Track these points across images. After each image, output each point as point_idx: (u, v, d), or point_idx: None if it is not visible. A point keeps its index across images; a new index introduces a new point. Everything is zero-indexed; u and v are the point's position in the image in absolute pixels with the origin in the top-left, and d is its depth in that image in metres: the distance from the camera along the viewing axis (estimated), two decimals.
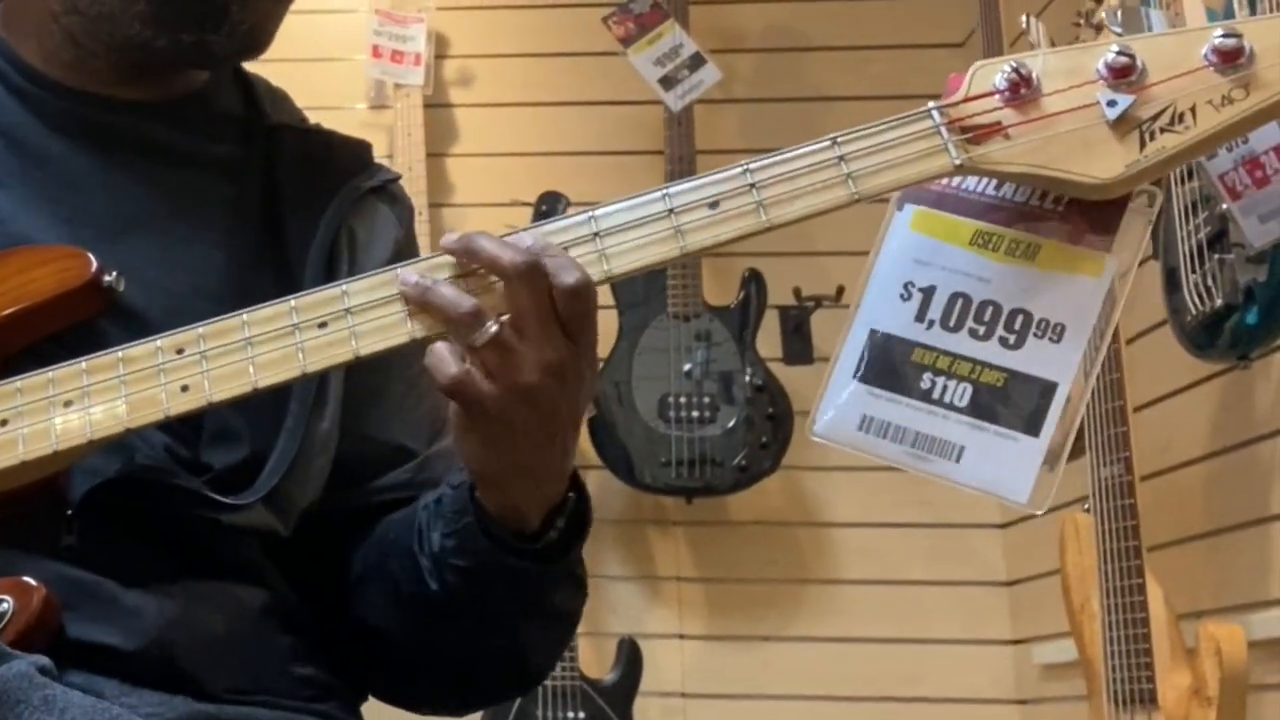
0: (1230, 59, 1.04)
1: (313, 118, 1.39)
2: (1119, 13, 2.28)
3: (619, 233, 1.10)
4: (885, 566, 3.90)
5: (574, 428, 1.13)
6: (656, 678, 3.79)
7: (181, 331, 1.12)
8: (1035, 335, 1.07)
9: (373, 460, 1.30)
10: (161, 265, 1.23)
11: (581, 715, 3.59)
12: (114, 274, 1.19)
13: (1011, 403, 1.07)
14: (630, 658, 3.71)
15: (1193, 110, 1.05)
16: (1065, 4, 3.24)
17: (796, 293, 3.81)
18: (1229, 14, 2.16)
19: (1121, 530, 2.65)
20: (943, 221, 1.11)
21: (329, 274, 1.24)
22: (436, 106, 4.13)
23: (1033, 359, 1.07)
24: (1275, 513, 2.77)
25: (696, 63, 3.84)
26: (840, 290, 3.69)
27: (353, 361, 1.11)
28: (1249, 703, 2.54)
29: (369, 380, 1.28)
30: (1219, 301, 2.41)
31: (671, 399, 3.75)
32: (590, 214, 1.11)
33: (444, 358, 1.08)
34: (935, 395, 1.08)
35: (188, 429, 1.18)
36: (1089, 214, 1.08)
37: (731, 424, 3.73)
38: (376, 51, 4.06)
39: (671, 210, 1.09)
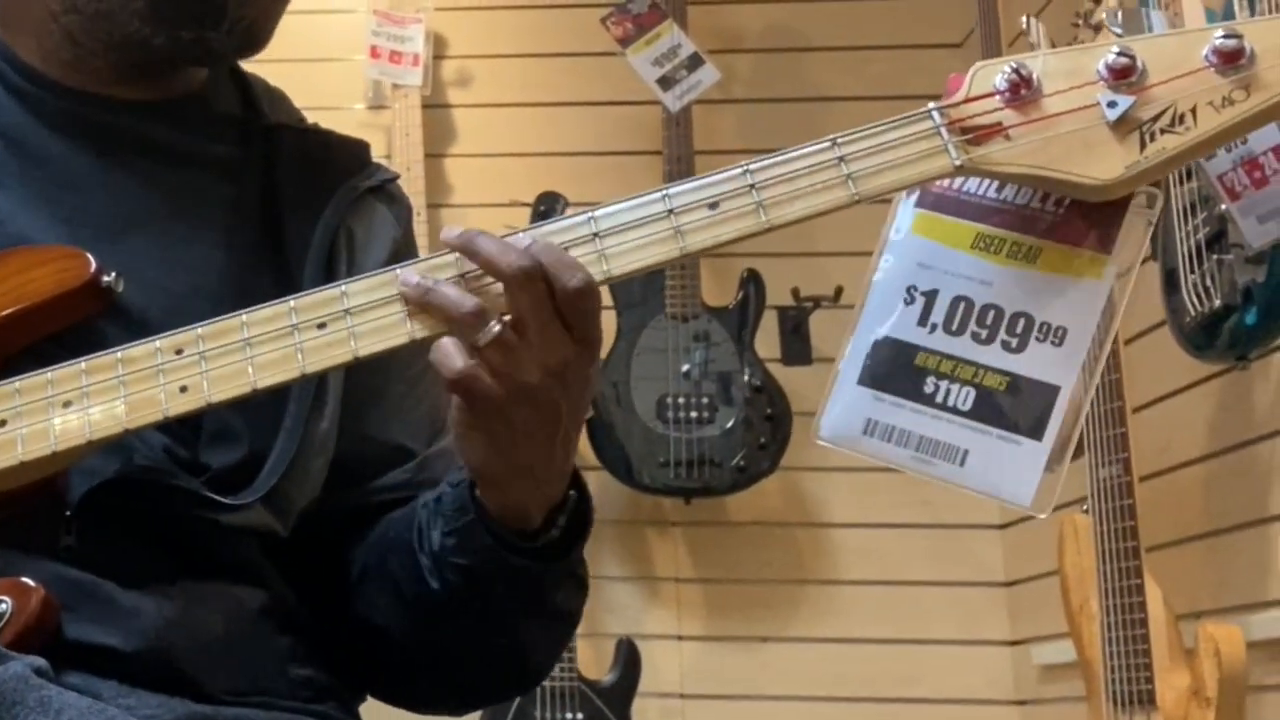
0: (1231, 60, 1.04)
1: (311, 118, 1.39)
2: (1118, 13, 2.28)
3: (618, 233, 1.09)
4: (884, 567, 3.90)
5: (576, 427, 1.13)
6: (655, 678, 3.78)
7: (180, 332, 1.12)
8: (1037, 339, 1.08)
9: (372, 460, 1.30)
10: (161, 265, 1.23)
11: (580, 716, 3.58)
12: (113, 274, 1.19)
13: (1014, 406, 1.07)
14: (629, 658, 3.71)
15: (1193, 111, 1.05)
16: (1064, 4, 3.24)
17: (795, 293, 3.81)
18: (1229, 15, 2.16)
19: (1120, 531, 2.65)
20: (944, 225, 1.11)
21: (328, 274, 1.24)
22: (435, 107, 4.12)
23: (1035, 362, 1.07)
24: (1274, 513, 2.77)
25: (695, 63, 3.83)
26: (839, 291, 3.70)
27: (352, 362, 1.10)
28: (1248, 703, 2.53)
29: (368, 380, 1.28)
30: (1218, 302, 2.41)
31: (670, 399, 3.74)
32: (590, 214, 1.10)
33: (450, 353, 1.08)
34: (939, 399, 1.09)
35: (187, 429, 1.18)
36: (1089, 216, 1.08)
37: (730, 424, 3.73)
38: (375, 52, 4.06)
39: (671, 211, 1.09)
